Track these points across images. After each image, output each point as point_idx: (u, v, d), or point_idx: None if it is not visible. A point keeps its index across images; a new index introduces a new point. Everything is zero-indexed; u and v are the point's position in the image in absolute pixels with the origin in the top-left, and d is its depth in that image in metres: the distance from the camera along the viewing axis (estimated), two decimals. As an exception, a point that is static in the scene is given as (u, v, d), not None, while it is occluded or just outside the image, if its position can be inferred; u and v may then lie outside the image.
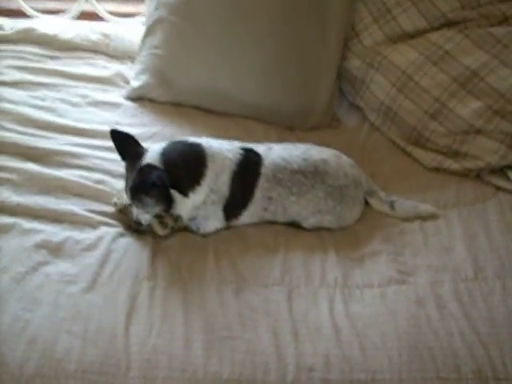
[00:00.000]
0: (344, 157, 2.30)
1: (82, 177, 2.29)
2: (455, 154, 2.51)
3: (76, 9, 3.16)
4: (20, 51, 2.87)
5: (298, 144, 2.32)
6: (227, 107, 2.68)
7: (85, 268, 2.00)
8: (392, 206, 2.31)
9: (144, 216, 2.10)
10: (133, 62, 2.85)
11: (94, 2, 3.17)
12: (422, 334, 1.90)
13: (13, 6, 3.18)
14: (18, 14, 3.13)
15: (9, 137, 2.38)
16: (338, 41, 2.66)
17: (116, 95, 2.74)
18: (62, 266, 2.00)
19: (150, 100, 2.71)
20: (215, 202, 2.14)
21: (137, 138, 2.14)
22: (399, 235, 2.24)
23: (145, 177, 2.01)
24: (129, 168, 2.09)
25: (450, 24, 2.59)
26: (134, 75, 2.75)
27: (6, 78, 2.70)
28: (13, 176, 2.25)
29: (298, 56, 2.64)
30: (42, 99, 2.63)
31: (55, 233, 2.09)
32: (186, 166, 2.10)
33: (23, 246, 2.04)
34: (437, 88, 2.53)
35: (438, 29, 2.59)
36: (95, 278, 1.97)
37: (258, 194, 2.18)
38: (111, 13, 3.21)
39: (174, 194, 2.06)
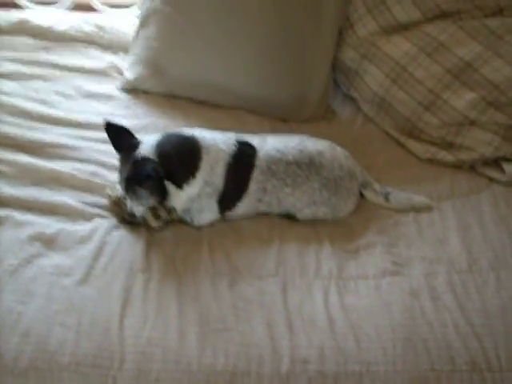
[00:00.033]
0: (339, 148, 2.30)
1: (75, 169, 2.28)
2: (449, 146, 2.51)
3: (70, 0, 3.15)
4: (13, 43, 2.85)
5: (293, 135, 2.32)
6: (221, 99, 2.67)
7: (78, 260, 2.00)
8: (386, 197, 2.30)
9: (138, 208, 2.09)
10: (127, 53, 2.84)
11: (88, -8, 3.16)
12: (416, 325, 1.90)
13: (6, -3, 3.16)
14: (11, 5, 3.11)
15: (2, 128, 2.37)
16: (332, 31, 2.65)
17: (110, 87, 2.73)
18: (55, 259, 1.99)
19: (144, 91, 2.70)
20: (210, 195, 2.14)
21: (130, 129, 2.13)
22: (393, 227, 2.24)
23: (139, 168, 2.01)
24: (123, 160, 2.09)
25: (444, 15, 2.58)
26: (128, 67, 2.74)
27: (-1, 69, 2.69)
28: (6, 168, 2.25)
29: (291, 47, 2.63)
30: (36, 91, 2.62)
31: (49, 225, 2.09)
32: (180, 159, 2.09)
33: (16, 238, 2.03)
34: (431, 79, 2.52)
35: (432, 20, 2.58)
36: (89, 271, 1.97)
37: (253, 186, 2.17)
38: (105, 4, 3.19)
39: (169, 186, 2.06)
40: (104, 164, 2.32)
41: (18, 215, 2.11)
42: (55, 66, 2.76)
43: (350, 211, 2.28)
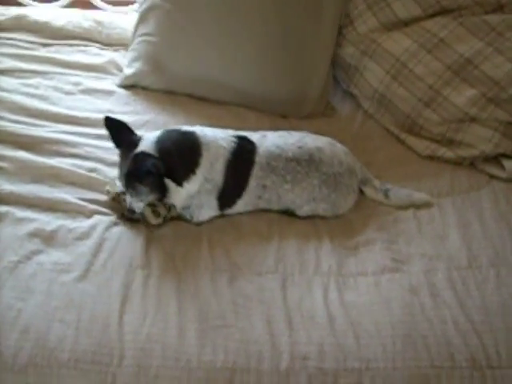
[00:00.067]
0: (338, 145, 2.30)
1: (74, 165, 2.28)
2: (449, 142, 2.51)
3: (69, -3, 3.15)
4: (12, 39, 2.86)
5: (293, 132, 2.31)
6: (220, 95, 2.67)
7: (78, 257, 1.99)
8: (386, 194, 2.30)
9: (137, 204, 2.09)
10: (126, 49, 2.84)
11: (87, -12, 3.16)
12: (416, 322, 1.90)
13: (5, -8, 3.16)
14: (10, 1, 3.10)
15: (1, 125, 2.37)
16: (332, 28, 2.65)
17: (109, 83, 2.73)
18: (55, 255, 1.99)
19: (143, 88, 2.70)
20: (209, 191, 2.13)
21: (130, 125, 2.13)
22: (393, 223, 2.23)
23: (139, 164, 2.00)
24: (123, 156, 2.08)
25: (444, 11, 2.58)
26: (127, 63, 2.74)
27: (-2, 65, 2.69)
28: (5, 164, 2.24)
29: (291, 43, 2.63)
30: (35, 87, 2.62)
31: (48, 221, 2.09)
32: (180, 155, 2.09)
33: (16, 234, 2.03)
34: (431, 76, 2.52)
35: (432, 16, 2.58)
36: (88, 267, 1.96)
37: (252, 183, 2.17)
38: (103, 0, 3.19)
39: (168, 182, 2.05)
40: (103, 160, 2.32)
41: (18, 212, 2.10)
42: (54, 62, 2.76)
43: (349, 208, 2.28)
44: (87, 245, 2.03)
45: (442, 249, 2.14)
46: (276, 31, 2.61)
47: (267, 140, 2.22)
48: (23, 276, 1.91)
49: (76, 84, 2.67)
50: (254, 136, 2.23)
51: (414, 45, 2.55)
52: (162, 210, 2.11)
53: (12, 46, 2.81)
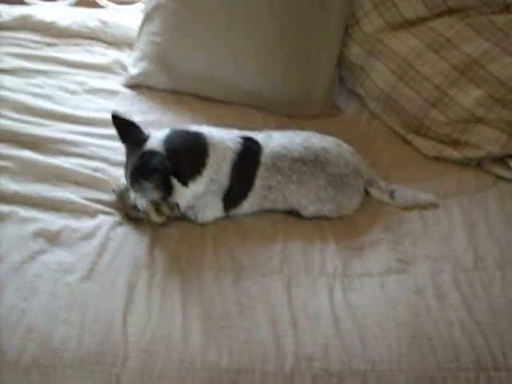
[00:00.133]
0: (345, 145, 2.29)
1: (79, 165, 2.27)
2: (456, 143, 2.50)
3: (74, -4, 3.15)
4: (17, 38, 2.86)
5: (299, 131, 2.31)
6: (226, 95, 2.67)
7: (82, 257, 1.98)
8: (392, 195, 2.30)
9: (141, 201, 2.08)
10: (131, 49, 2.84)
11: (92, -12, 3.16)
12: (421, 323, 1.89)
13: (10, -8, 3.16)
14: (15, 0, 3.10)
15: (6, 124, 2.37)
16: (338, 28, 2.65)
17: (114, 83, 2.73)
18: (59, 255, 1.98)
19: (149, 87, 2.70)
20: (215, 192, 2.13)
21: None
22: (399, 224, 2.23)
23: (146, 161, 2.00)
24: (130, 153, 2.08)
25: (451, 11, 2.57)
26: (133, 62, 2.74)
27: (3, 65, 2.68)
28: (10, 164, 2.23)
29: (298, 43, 2.62)
30: (40, 86, 2.61)
31: (52, 221, 2.08)
32: (188, 155, 2.08)
33: (20, 234, 2.02)
34: (437, 76, 2.51)
35: (438, 16, 2.57)
36: (93, 267, 1.95)
37: (258, 183, 2.16)
38: (110, 0, 3.19)
39: (174, 182, 2.05)
40: (108, 160, 2.32)
41: (22, 211, 2.09)
42: (59, 61, 2.76)
43: (354, 208, 2.27)
44: (92, 245, 2.03)
45: (448, 250, 2.13)
46: (283, 32, 2.61)
47: (273, 140, 2.21)
48: (27, 276, 1.90)
49: (81, 83, 2.67)
50: (259, 136, 2.22)
51: (421, 45, 2.54)
52: (166, 209, 2.10)
53: (17, 45, 2.81)
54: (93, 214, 2.13)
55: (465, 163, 2.48)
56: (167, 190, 2.05)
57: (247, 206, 2.19)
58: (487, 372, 1.80)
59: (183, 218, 2.15)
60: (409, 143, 2.58)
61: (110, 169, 2.28)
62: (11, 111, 2.44)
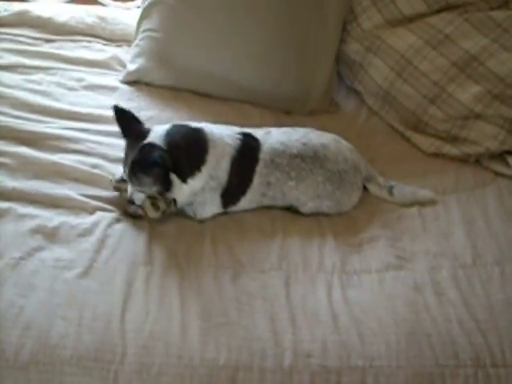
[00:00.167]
0: (343, 142, 2.29)
1: (77, 161, 2.27)
2: (454, 139, 2.50)
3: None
4: (15, 34, 2.85)
5: (298, 128, 2.31)
6: (224, 91, 2.66)
7: (80, 253, 1.98)
8: (390, 191, 2.30)
9: (138, 195, 2.08)
10: (129, 45, 2.83)
11: (90, -16, 3.15)
12: (420, 320, 1.89)
13: (7, -12, 3.15)
14: (15, -3, 3.10)
15: (4, 121, 2.36)
16: (336, 24, 2.64)
17: (112, 79, 2.72)
18: (57, 252, 1.98)
19: (147, 84, 2.69)
20: (214, 189, 2.13)
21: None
22: (397, 221, 2.23)
23: (146, 155, 2.00)
24: (130, 146, 2.07)
25: (449, 7, 2.57)
26: (131, 58, 2.73)
27: (1, 61, 2.68)
28: (8, 160, 2.23)
29: (296, 40, 2.62)
30: (38, 83, 2.61)
31: (50, 218, 2.07)
32: (188, 150, 2.08)
33: (18, 231, 2.02)
34: (436, 72, 2.51)
35: (437, 12, 2.57)
36: (91, 264, 1.95)
37: (257, 180, 2.16)
38: (108, -4, 3.19)
39: (173, 177, 2.04)
40: (106, 157, 2.31)
41: (20, 208, 2.09)
42: (57, 57, 2.75)
43: (353, 205, 2.27)
44: (90, 241, 2.02)
45: (447, 246, 2.13)
46: (281, 28, 2.60)
47: (271, 137, 2.21)
48: (25, 273, 1.90)
49: (79, 80, 2.66)
50: (258, 133, 2.22)
51: (419, 41, 2.54)
52: (162, 204, 2.09)
53: (15, 41, 2.80)
54: (91, 210, 2.13)
55: (463, 159, 2.48)
56: (166, 185, 2.05)
57: (246, 202, 2.19)
58: (485, 369, 1.80)
59: (181, 214, 2.15)
60: (407, 139, 2.58)
61: (109, 165, 2.27)
62: (9, 108, 2.43)
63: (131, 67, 2.70)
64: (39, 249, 1.98)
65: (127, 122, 2.10)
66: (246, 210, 2.20)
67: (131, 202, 2.09)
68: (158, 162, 1.98)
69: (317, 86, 2.66)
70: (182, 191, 2.08)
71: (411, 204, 2.28)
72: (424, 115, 2.53)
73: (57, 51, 2.79)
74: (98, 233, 2.05)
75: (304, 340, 1.83)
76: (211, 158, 2.10)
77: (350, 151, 2.26)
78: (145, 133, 2.06)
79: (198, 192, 2.11)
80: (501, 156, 2.47)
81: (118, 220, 2.11)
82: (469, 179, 2.41)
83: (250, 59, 2.62)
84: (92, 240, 2.03)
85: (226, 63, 2.63)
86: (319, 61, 2.65)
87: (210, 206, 2.15)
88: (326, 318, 1.88)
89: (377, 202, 2.30)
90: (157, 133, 2.06)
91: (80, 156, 2.30)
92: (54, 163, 2.24)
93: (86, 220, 2.09)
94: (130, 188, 2.08)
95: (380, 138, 2.60)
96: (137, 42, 2.73)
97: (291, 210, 2.22)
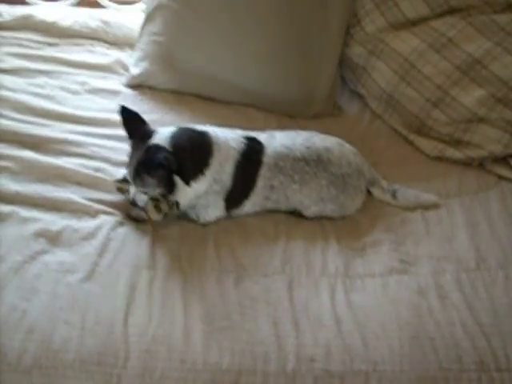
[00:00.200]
0: (347, 145, 2.29)
1: (80, 165, 2.27)
2: (458, 143, 2.50)
3: (76, -4, 3.15)
4: (19, 38, 2.85)
5: (301, 131, 2.31)
6: (228, 95, 2.66)
7: (83, 257, 1.98)
8: (394, 195, 2.29)
9: (141, 197, 2.08)
10: (132, 49, 2.83)
11: (94, -12, 3.15)
12: (423, 324, 1.89)
13: (11, -8, 3.15)
14: (16, 0, 3.10)
15: (7, 124, 2.36)
16: (339, 28, 2.64)
17: (115, 83, 2.72)
18: (60, 255, 1.98)
19: (150, 87, 2.70)
20: (217, 192, 2.12)
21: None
22: (401, 224, 2.22)
23: (151, 156, 2.00)
24: (135, 147, 2.07)
25: (452, 11, 2.57)
26: (134, 62, 2.73)
27: (4, 65, 2.68)
28: (11, 164, 2.23)
29: (299, 43, 2.62)
30: (41, 87, 2.61)
31: (53, 221, 2.08)
32: (192, 153, 2.07)
33: (21, 234, 2.02)
34: (439, 76, 2.51)
35: (440, 16, 2.57)
36: (94, 268, 1.95)
37: (260, 183, 2.16)
38: (111, 0, 3.18)
39: (177, 180, 2.04)
40: (109, 160, 2.31)
41: (23, 211, 2.09)
42: (60, 61, 2.76)
43: (356, 208, 2.27)
44: (93, 245, 2.02)
45: (450, 250, 2.13)
46: (285, 31, 2.60)
47: (275, 140, 2.21)
48: (28, 276, 1.90)
49: (82, 84, 2.66)
50: (261, 136, 2.22)
51: (422, 44, 2.54)
52: (164, 207, 2.09)
53: (18, 45, 2.81)
54: (94, 214, 2.13)
55: (467, 163, 2.48)
56: (169, 187, 2.05)
57: (249, 206, 2.19)
58: (489, 373, 1.80)
59: (185, 217, 2.15)
60: (411, 143, 2.58)
61: (112, 169, 2.27)
62: (12, 111, 2.44)
63: (135, 71, 2.70)
64: (42, 252, 1.98)
65: (133, 123, 2.10)
66: (249, 214, 2.20)
67: (133, 203, 2.09)
68: (163, 164, 1.98)
69: (320, 90, 2.66)
70: (185, 194, 2.08)
71: (414, 208, 2.28)
72: (427, 119, 2.53)
73: (60, 55, 2.79)
74: (100, 236, 2.05)
75: (307, 344, 1.82)
76: (215, 162, 2.10)
77: (353, 155, 2.26)
78: (150, 134, 2.06)
79: (201, 195, 2.11)
80: (504, 159, 2.46)
81: (121, 223, 2.11)
82: (472, 183, 2.40)
83: (254, 63, 2.62)
84: (95, 243, 2.03)
85: (230, 67, 2.63)
86: (322, 64, 2.65)
87: (214, 210, 2.15)
88: (329, 322, 1.88)
89: (380, 206, 2.30)
90: (162, 135, 2.06)
91: (83, 159, 2.30)
92: (57, 167, 2.24)
93: (89, 223, 2.09)
94: (132, 189, 2.08)
95: (383, 141, 2.60)
96: (140, 45, 2.73)
97: (295, 213, 2.22)
